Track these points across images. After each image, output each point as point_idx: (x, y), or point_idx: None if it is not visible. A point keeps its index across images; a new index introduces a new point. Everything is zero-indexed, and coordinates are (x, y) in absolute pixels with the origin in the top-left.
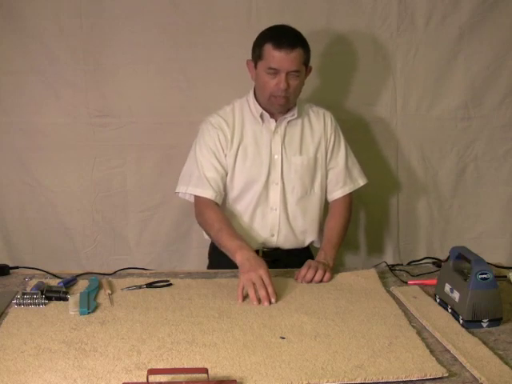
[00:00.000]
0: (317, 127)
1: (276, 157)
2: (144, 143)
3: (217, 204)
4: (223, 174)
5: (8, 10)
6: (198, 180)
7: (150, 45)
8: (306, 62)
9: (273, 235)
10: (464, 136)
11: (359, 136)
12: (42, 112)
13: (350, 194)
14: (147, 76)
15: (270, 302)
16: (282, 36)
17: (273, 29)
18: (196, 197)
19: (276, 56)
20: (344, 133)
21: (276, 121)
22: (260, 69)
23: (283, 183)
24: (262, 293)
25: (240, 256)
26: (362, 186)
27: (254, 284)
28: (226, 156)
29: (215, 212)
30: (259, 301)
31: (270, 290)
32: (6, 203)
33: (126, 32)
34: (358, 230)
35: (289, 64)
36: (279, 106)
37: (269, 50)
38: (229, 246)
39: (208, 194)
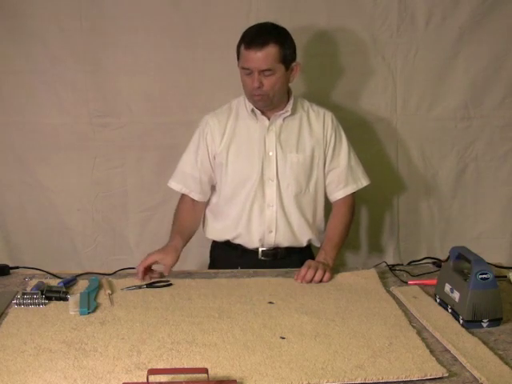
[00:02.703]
0: (316, 127)
1: (271, 154)
2: (144, 143)
3: (192, 200)
4: (205, 174)
5: (9, 10)
6: (178, 175)
7: (150, 45)
8: (283, 59)
9: (271, 231)
10: (464, 136)
11: (359, 136)
12: (42, 112)
13: (352, 195)
14: (147, 76)
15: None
16: (254, 35)
17: (250, 27)
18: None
19: (246, 55)
20: (344, 133)
21: (269, 118)
22: (239, 68)
23: (278, 180)
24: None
25: None
26: (364, 186)
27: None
28: (214, 157)
29: (181, 209)
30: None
31: (139, 267)
32: (6, 203)
33: (126, 32)
34: (359, 230)
35: (258, 63)
36: (258, 103)
37: (242, 50)
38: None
39: (183, 189)
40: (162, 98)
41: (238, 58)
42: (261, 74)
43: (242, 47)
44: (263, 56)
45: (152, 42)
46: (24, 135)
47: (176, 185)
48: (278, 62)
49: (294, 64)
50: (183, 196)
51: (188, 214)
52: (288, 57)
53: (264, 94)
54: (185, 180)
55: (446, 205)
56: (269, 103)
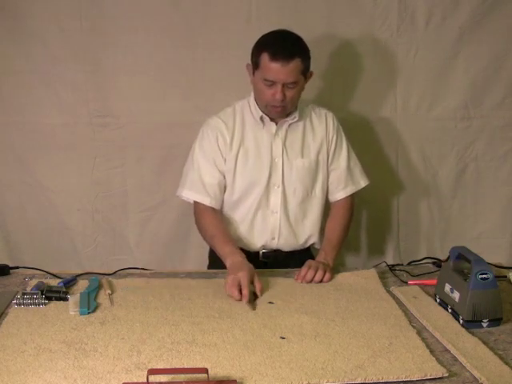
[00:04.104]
0: (318, 129)
1: (277, 160)
2: (144, 143)
3: (214, 209)
4: (221, 179)
5: (9, 10)
6: (195, 185)
7: (150, 45)
8: (304, 72)
9: (273, 238)
10: (464, 136)
11: (359, 136)
12: (42, 112)
13: (351, 195)
14: (147, 76)
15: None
16: (279, 46)
17: (271, 36)
18: (195, 201)
19: (272, 68)
20: (344, 133)
21: (276, 124)
22: (257, 77)
23: (284, 186)
24: (236, 293)
25: (229, 261)
26: (363, 187)
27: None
28: (225, 160)
29: (210, 218)
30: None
31: (243, 291)
32: (6, 203)
33: (126, 33)
34: (359, 230)
35: (285, 76)
36: (276, 113)
37: (265, 60)
38: (221, 252)
39: (205, 200)
40: (162, 98)
41: (256, 67)
42: (284, 86)
43: (266, 58)
44: (290, 70)
45: (152, 42)
46: (24, 135)
47: (195, 195)
48: (300, 74)
49: (308, 73)
50: (202, 205)
51: (217, 219)
52: (308, 68)
53: (285, 106)
54: (204, 189)
55: (446, 205)
56: (284, 113)
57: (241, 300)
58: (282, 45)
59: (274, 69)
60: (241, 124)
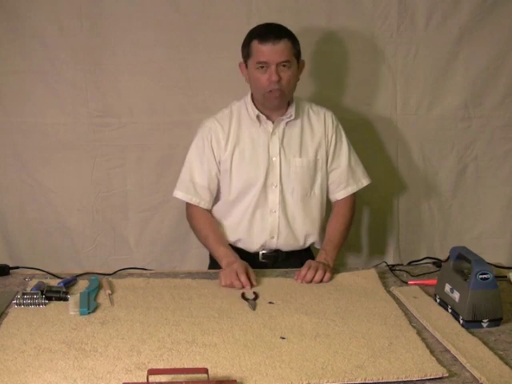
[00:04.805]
0: (317, 128)
1: (274, 159)
2: (144, 143)
3: (205, 209)
4: (212, 181)
5: (8, 10)
6: (186, 186)
7: (150, 45)
8: (296, 55)
9: (272, 237)
10: (464, 136)
11: (359, 136)
12: (42, 112)
13: (353, 195)
14: (147, 76)
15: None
16: (267, 30)
17: (257, 27)
18: (186, 202)
19: (263, 49)
20: (344, 132)
21: (273, 122)
22: (250, 67)
23: (282, 185)
24: (236, 282)
25: (224, 262)
26: (365, 186)
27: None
28: (219, 162)
29: (202, 218)
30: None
31: (241, 278)
32: (6, 203)
33: (126, 32)
34: (359, 230)
35: (277, 55)
36: (275, 99)
37: (255, 45)
38: (215, 253)
39: (194, 200)
40: (162, 98)
41: (248, 57)
42: (278, 66)
43: (255, 43)
44: (281, 48)
45: (152, 42)
46: (24, 135)
47: (185, 195)
48: (292, 56)
49: (301, 60)
50: (193, 206)
51: (210, 220)
52: (299, 52)
53: (281, 89)
54: (194, 190)
55: (446, 205)
56: (283, 99)
57: (242, 287)
58: (269, 29)
59: (266, 50)
60: (237, 124)
